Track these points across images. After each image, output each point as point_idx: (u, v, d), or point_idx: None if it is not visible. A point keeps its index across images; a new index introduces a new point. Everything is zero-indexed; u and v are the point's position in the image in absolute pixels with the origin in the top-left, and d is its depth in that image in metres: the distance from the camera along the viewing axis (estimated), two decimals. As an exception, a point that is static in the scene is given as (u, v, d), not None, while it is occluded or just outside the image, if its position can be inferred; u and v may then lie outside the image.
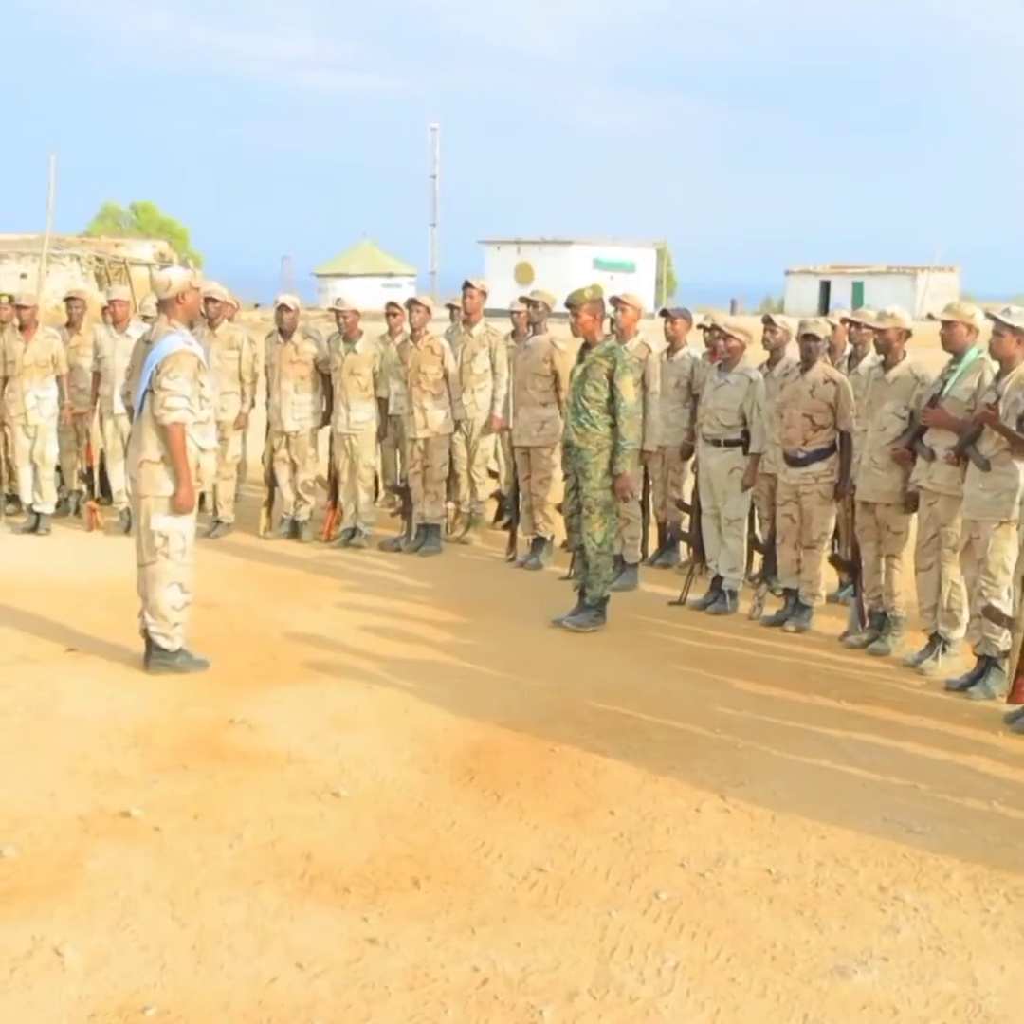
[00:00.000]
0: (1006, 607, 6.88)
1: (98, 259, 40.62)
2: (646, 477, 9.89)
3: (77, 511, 11.74)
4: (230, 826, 5.19)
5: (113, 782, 5.62)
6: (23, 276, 37.46)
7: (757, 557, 9.12)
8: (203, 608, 8.54)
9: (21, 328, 11.13)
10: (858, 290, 59.57)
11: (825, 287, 62.91)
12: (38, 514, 11.21)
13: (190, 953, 4.21)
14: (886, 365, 7.71)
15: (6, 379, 11.10)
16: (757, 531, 8.98)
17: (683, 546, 10.10)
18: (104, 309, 11.53)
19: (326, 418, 11.14)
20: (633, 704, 6.83)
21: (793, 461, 8.30)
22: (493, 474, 11.40)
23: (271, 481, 11.24)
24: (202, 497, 11.63)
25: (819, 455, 8.23)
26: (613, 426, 8.19)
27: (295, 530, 11.14)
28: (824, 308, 53.12)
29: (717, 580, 8.93)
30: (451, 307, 11.83)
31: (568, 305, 8.27)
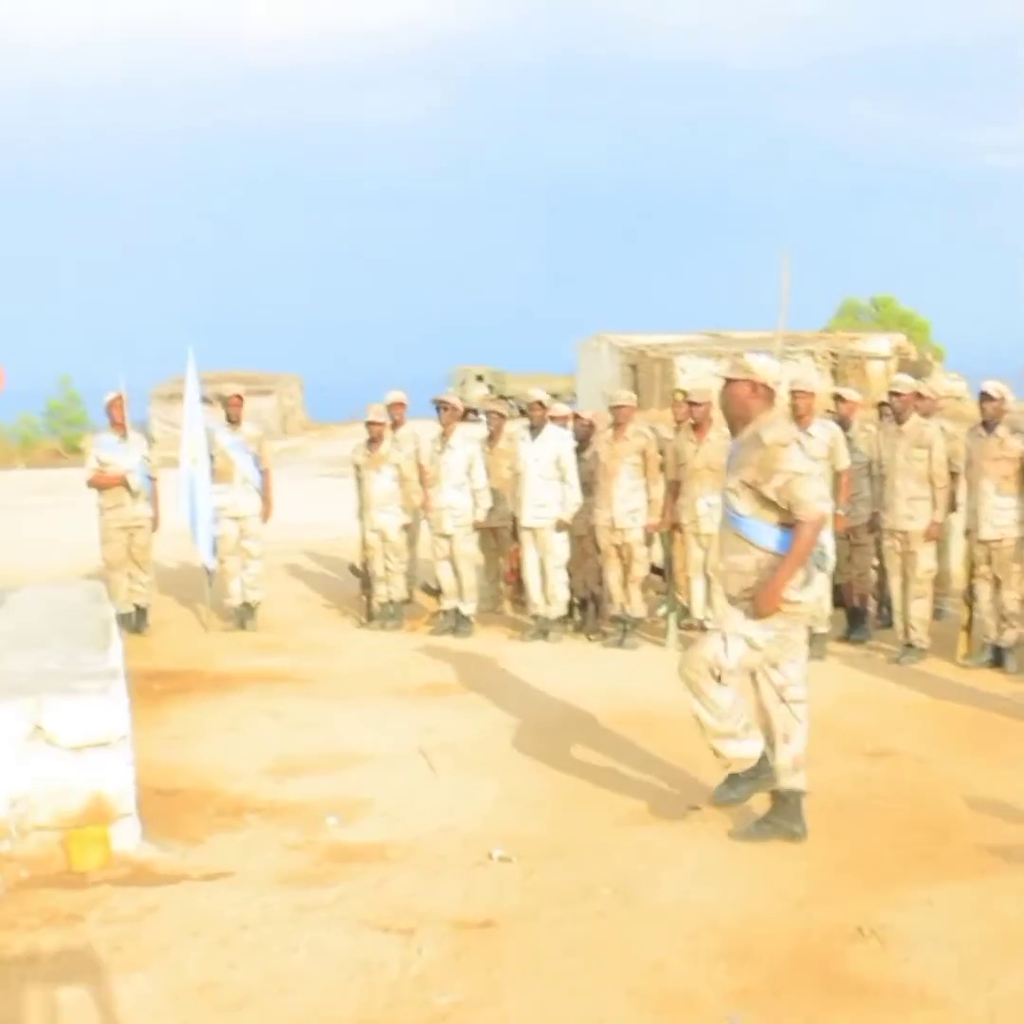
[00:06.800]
0: None
1: (833, 354, 40.25)
2: None
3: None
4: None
5: (682, 1013, 4.29)
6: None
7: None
8: (867, 759, 7.12)
9: (694, 427, 10.26)
10: None
11: None
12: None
13: None
14: None
15: (678, 483, 10.26)
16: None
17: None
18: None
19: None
20: None
21: None
22: None
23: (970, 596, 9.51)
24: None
25: None
26: None
27: (998, 658, 9.30)
28: None
29: None
30: None
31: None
